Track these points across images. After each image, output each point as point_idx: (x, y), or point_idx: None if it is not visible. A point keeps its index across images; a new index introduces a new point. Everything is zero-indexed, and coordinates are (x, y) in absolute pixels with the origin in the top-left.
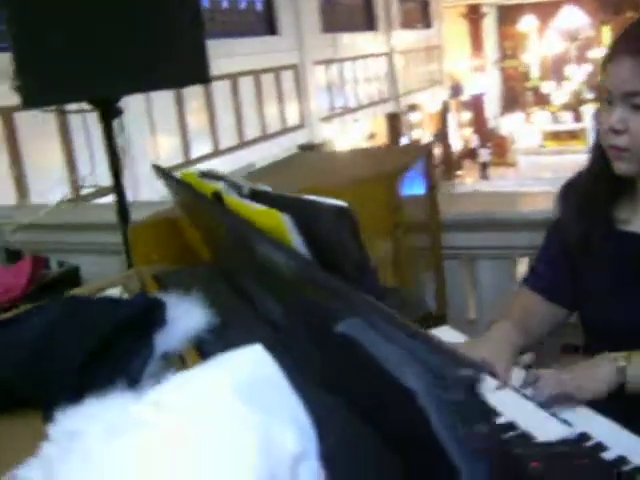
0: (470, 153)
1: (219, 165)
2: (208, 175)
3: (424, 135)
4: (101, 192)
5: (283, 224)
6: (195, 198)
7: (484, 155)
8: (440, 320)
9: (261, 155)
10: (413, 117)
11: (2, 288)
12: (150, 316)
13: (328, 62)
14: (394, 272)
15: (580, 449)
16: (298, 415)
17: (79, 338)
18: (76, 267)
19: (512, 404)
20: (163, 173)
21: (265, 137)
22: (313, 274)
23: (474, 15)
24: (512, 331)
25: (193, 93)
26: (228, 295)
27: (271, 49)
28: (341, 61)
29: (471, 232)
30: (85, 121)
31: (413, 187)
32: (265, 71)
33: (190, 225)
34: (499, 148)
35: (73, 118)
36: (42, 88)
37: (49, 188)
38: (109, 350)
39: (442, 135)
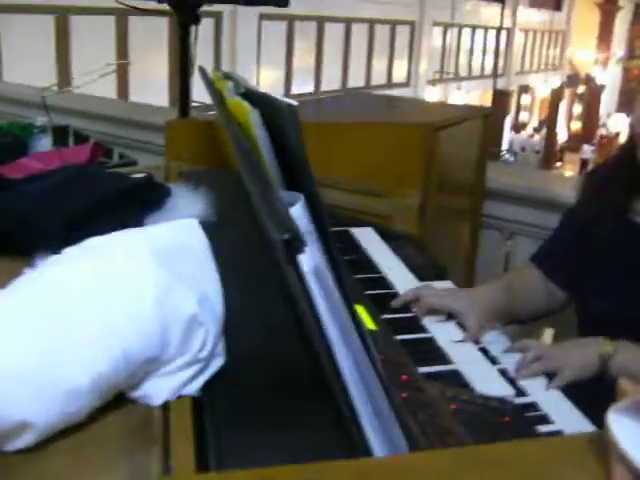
0: (573, 146)
1: None
2: (227, 76)
3: (531, 119)
4: (202, 108)
5: (250, 117)
6: (214, 98)
7: (587, 151)
8: (440, 275)
9: None
10: (523, 98)
11: (57, 166)
12: (148, 196)
13: (447, 25)
14: (419, 223)
15: (507, 408)
16: (208, 288)
17: (75, 197)
18: (134, 161)
19: (467, 356)
20: (203, 73)
21: (368, 88)
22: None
23: (609, 6)
24: (497, 293)
25: (305, 31)
26: (235, 199)
27: (392, 1)
28: (460, 27)
29: (515, 205)
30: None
31: (459, 146)
32: (381, 22)
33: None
34: (604, 147)
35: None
36: None
37: (149, 96)
38: (99, 214)
39: (550, 122)
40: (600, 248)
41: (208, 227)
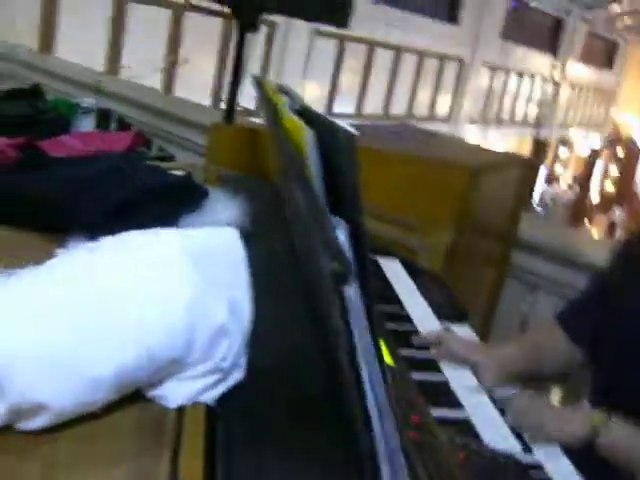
0: (604, 207)
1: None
2: (282, 90)
3: (565, 173)
4: (244, 113)
5: (305, 137)
6: (266, 107)
7: (617, 214)
8: (461, 317)
9: None
10: (561, 151)
11: (96, 149)
12: (186, 195)
13: (495, 68)
14: (445, 263)
15: (514, 466)
16: (241, 299)
17: (116, 186)
18: (171, 156)
19: (479, 405)
20: (257, 82)
21: (409, 118)
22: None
23: None
24: (519, 355)
25: (355, 52)
26: (269, 210)
27: (445, 36)
28: (508, 71)
29: (542, 259)
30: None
31: (496, 192)
32: (431, 55)
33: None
34: (635, 213)
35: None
36: None
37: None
38: (136, 207)
39: (584, 180)
40: (624, 319)
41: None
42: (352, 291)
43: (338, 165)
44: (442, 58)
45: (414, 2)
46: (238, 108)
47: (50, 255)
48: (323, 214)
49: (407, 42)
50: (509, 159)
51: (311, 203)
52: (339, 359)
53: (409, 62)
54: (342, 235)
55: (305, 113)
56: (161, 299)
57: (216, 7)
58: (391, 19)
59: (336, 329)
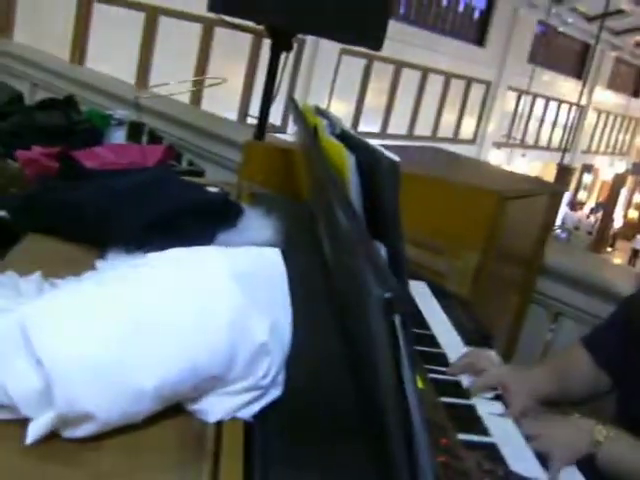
0: (627, 234)
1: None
2: (320, 112)
3: (589, 199)
4: (270, 129)
5: (347, 162)
6: (302, 128)
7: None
8: (487, 341)
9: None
10: (585, 177)
11: (128, 161)
12: (223, 212)
13: (522, 92)
14: (472, 287)
15: None
16: (282, 319)
17: (155, 201)
18: (202, 170)
19: (505, 432)
20: (292, 102)
21: (434, 139)
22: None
23: None
24: (547, 378)
25: (381, 72)
26: (302, 230)
27: (472, 58)
28: (535, 96)
29: (567, 286)
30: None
31: (524, 219)
32: (457, 77)
33: (301, 160)
34: None
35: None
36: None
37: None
38: (174, 222)
39: (608, 206)
40: None
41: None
42: (401, 319)
43: (379, 190)
44: (469, 80)
45: (443, 24)
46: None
47: (89, 267)
48: (367, 237)
49: (434, 63)
50: (537, 185)
51: (354, 225)
52: (382, 381)
53: (435, 83)
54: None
55: (345, 137)
56: (205, 316)
57: (248, 23)
58: (419, 40)
59: (382, 355)
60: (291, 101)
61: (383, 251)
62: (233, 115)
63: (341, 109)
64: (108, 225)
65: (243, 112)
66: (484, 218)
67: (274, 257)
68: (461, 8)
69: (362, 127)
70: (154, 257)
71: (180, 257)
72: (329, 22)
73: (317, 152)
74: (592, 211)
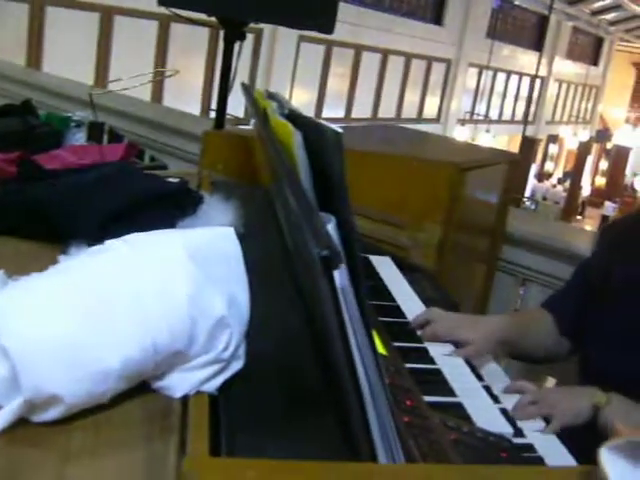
0: (596, 202)
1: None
2: (271, 95)
3: (556, 169)
4: (233, 121)
5: (293, 139)
6: (254, 112)
7: (609, 208)
8: (454, 310)
9: None
10: (550, 148)
11: (90, 161)
12: (182, 200)
13: (482, 67)
14: (436, 259)
15: (505, 445)
16: (239, 293)
17: (114, 193)
18: (164, 165)
19: (471, 392)
20: (246, 89)
21: (398, 120)
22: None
23: None
24: (507, 325)
25: (342, 57)
26: (262, 215)
27: (431, 37)
28: (496, 70)
29: (531, 253)
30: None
31: (483, 188)
32: (418, 57)
33: (258, 145)
34: (626, 205)
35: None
36: None
37: (182, 102)
38: (135, 213)
39: (574, 175)
40: (608, 301)
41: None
42: (341, 276)
43: (326, 163)
44: (429, 60)
45: (400, 5)
46: (227, 116)
47: (53, 263)
48: (311, 209)
49: (393, 45)
50: (494, 155)
51: (300, 200)
52: (331, 343)
53: (396, 64)
54: (331, 228)
55: (293, 116)
56: (164, 294)
57: (203, 17)
58: (377, 22)
59: (327, 314)
60: (244, 87)
61: (332, 220)
62: (196, 109)
63: (304, 96)
64: (69, 220)
65: (206, 106)
66: (443, 190)
67: (228, 234)
68: None
69: (326, 113)
70: (111, 243)
71: (136, 240)
72: (278, 8)
73: (267, 133)
74: (559, 181)
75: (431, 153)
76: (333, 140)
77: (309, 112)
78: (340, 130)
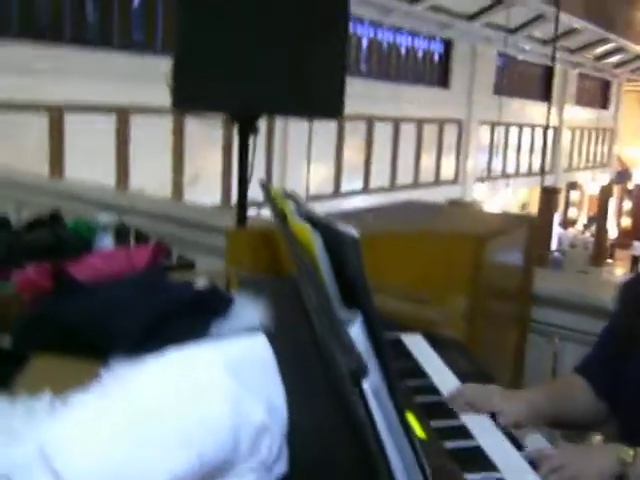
0: (624, 243)
1: (366, 203)
2: (288, 195)
3: (580, 215)
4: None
5: (314, 242)
6: (276, 215)
7: (638, 248)
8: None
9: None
10: (572, 195)
11: (118, 267)
12: (213, 304)
13: (494, 124)
14: (466, 329)
15: None
16: (276, 398)
17: (148, 307)
18: (192, 262)
19: (515, 466)
20: (265, 189)
21: (417, 185)
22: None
23: None
24: (541, 397)
25: (354, 130)
26: (292, 307)
27: (440, 101)
28: (507, 125)
29: (562, 311)
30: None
31: (507, 255)
32: (429, 121)
33: (281, 239)
34: None
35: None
36: (190, 94)
37: (202, 192)
38: (169, 322)
39: (599, 219)
40: (635, 360)
41: (269, 336)
42: (371, 384)
43: (345, 264)
44: (440, 122)
45: (406, 73)
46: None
47: (95, 378)
48: (333, 314)
49: (404, 112)
50: (512, 220)
51: (323, 302)
52: (366, 444)
53: (408, 131)
54: (358, 326)
55: (311, 218)
56: (205, 410)
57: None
58: (385, 92)
59: (360, 419)
60: (263, 187)
61: (359, 318)
62: (217, 199)
63: (321, 172)
64: (106, 336)
65: (226, 195)
66: (465, 262)
67: (261, 342)
68: (420, 55)
69: (345, 186)
70: (152, 360)
71: (175, 355)
72: (286, 101)
73: (289, 235)
74: (585, 227)
75: (450, 226)
76: (351, 244)
77: (328, 187)
78: (356, 235)
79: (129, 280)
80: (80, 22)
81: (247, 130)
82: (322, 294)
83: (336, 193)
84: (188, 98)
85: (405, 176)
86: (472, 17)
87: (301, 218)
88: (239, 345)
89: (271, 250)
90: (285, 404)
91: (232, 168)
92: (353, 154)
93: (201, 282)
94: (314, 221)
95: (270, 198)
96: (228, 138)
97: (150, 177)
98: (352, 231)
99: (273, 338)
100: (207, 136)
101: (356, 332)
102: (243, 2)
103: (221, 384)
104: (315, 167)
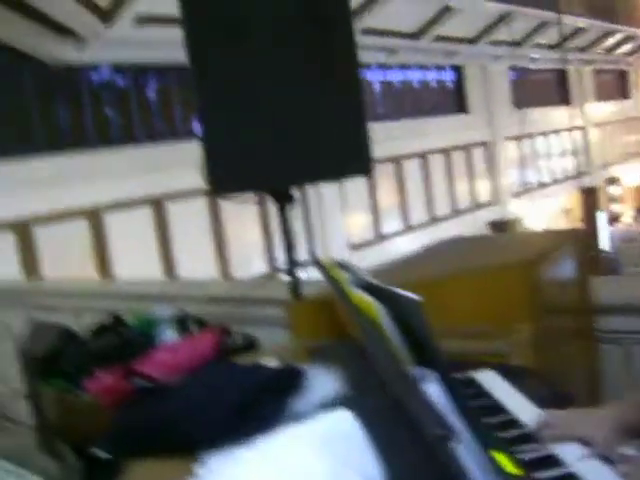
0: None
1: (409, 241)
2: (341, 265)
3: (624, 209)
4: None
5: (378, 312)
6: (333, 286)
7: None
8: (569, 403)
9: (451, 231)
10: (613, 190)
11: (185, 356)
12: (288, 383)
13: (519, 138)
14: (535, 355)
15: None
16: (368, 467)
17: (226, 397)
18: (254, 339)
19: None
20: (318, 264)
21: (456, 213)
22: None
23: None
24: (628, 409)
25: (384, 172)
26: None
27: (461, 127)
28: (532, 136)
29: (628, 316)
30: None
31: (561, 272)
32: (455, 149)
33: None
34: None
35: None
36: (225, 179)
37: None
38: (250, 410)
39: None
40: None
41: (347, 403)
42: (459, 448)
43: (411, 327)
44: (466, 148)
45: (422, 106)
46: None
47: (191, 475)
48: (410, 378)
49: (430, 145)
50: (559, 236)
51: (396, 367)
52: None
53: (437, 162)
54: (435, 384)
55: (367, 285)
56: None
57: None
58: (406, 129)
59: (454, 476)
60: (314, 262)
61: (434, 377)
62: (262, 266)
63: (360, 220)
64: (190, 431)
65: (271, 261)
66: (520, 289)
67: (345, 416)
68: (434, 85)
69: (386, 229)
70: (242, 452)
71: (265, 445)
72: (318, 169)
73: (349, 305)
74: (635, 218)
75: (499, 257)
76: (414, 308)
77: (369, 234)
78: (418, 298)
79: (202, 374)
80: (102, 124)
81: (283, 201)
82: (394, 360)
83: (378, 237)
84: (223, 183)
85: (442, 207)
86: (476, 39)
87: (358, 287)
88: (325, 422)
89: (331, 315)
90: (379, 471)
91: (270, 233)
92: (387, 196)
93: (272, 362)
94: (371, 289)
95: (324, 272)
96: (263, 207)
97: (194, 259)
98: (413, 296)
99: (352, 404)
100: (243, 213)
101: (433, 390)
102: (257, 82)
103: (318, 463)
104: (353, 217)
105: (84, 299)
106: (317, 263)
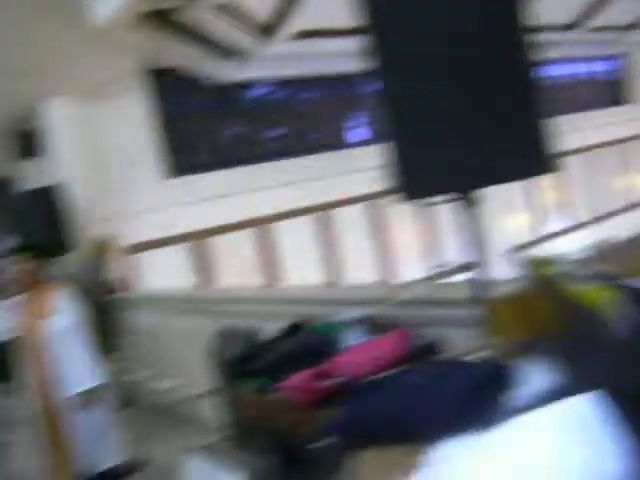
0: None
1: (571, 240)
2: (545, 262)
3: None
4: (450, 271)
5: (607, 300)
6: (536, 281)
7: None
8: None
9: (616, 229)
10: None
11: (370, 356)
12: (503, 380)
13: None
14: None
15: None
16: (615, 445)
17: (448, 393)
18: (437, 342)
19: None
20: (516, 259)
21: (623, 209)
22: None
23: None
24: None
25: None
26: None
27: (618, 120)
28: None
29: None
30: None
31: None
32: (617, 142)
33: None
34: None
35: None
36: (416, 186)
37: (409, 269)
38: (472, 401)
39: None
40: None
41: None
42: None
43: None
44: (631, 139)
45: (584, 100)
46: (443, 268)
47: (419, 461)
48: None
49: (589, 141)
50: None
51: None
52: None
53: (596, 157)
54: None
55: (584, 278)
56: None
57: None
58: (568, 125)
59: None
60: (508, 255)
61: None
62: (422, 269)
63: (519, 221)
64: (415, 423)
65: (431, 265)
66: None
67: (588, 399)
68: (599, 77)
69: (549, 228)
70: (485, 440)
71: (514, 436)
72: (507, 169)
73: (561, 299)
74: None
75: None
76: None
77: (527, 234)
78: None
79: (416, 371)
80: (264, 138)
81: (467, 204)
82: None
83: (538, 238)
84: (416, 188)
85: (603, 204)
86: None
87: (575, 280)
88: (570, 407)
89: (528, 312)
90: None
91: (435, 238)
92: (544, 195)
93: (476, 359)
94: (594, 279)
95: (526, 266)
96: (372, 221)
97: (356, 265)
98: None
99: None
100: (400, 214)
101: None
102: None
103: (572, 448)
104: (512, 217)
105: (266, 305)
106: (513, 257)
